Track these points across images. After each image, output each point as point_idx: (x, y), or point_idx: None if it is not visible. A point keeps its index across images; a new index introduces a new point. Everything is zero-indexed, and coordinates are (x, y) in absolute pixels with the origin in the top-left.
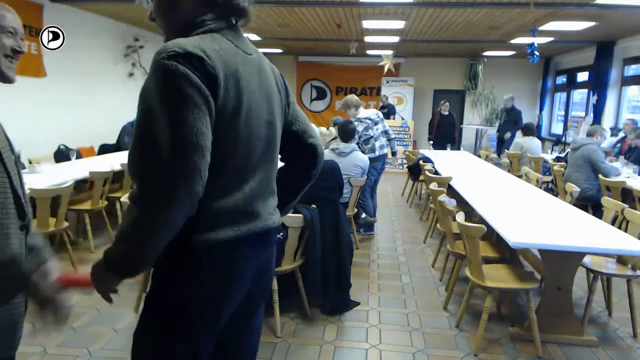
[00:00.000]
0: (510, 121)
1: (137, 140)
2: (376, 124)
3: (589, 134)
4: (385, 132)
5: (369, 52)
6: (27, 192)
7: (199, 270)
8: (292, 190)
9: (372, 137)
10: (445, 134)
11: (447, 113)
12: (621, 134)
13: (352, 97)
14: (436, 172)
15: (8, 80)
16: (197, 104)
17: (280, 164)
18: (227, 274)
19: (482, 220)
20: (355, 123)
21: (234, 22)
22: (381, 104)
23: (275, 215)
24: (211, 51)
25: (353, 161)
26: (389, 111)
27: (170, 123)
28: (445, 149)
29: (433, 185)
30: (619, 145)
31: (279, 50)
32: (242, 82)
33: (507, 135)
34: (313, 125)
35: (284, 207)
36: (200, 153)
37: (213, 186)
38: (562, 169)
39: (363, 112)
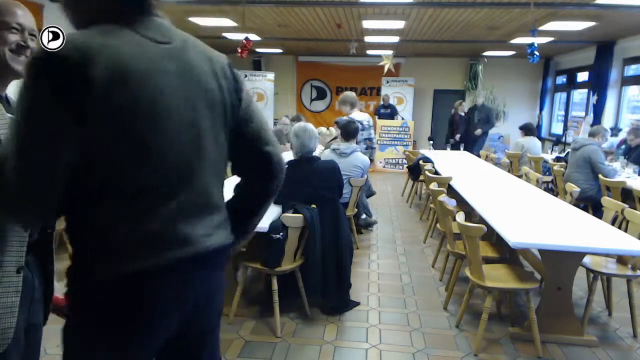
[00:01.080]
0: (482, 120)
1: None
2: (363, 129)
3: (592, 134)
4: (369, 139)
5: (369, 52)
6: None
7: (102, 309)
8: (246, 211)
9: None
10: (469, 135)
11: (463, 114)
12: (622, 134)
13: (351, 94)
14: (436, 172)
15: (17, 74)
16: (52, 111)
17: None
18: (135, 313)
19: (482, 220)
20: None
21: (147, 6)
22: (382, 103)
23: (218, 234)
24: (90, 48)
25: (353, 162)
26: (392, 111)
27: (17, 128)
28: (446, 148)
29: (433, 185)
30: (623, 146)
31: (279, 50)
32: (137, 81)
33: (479, 131)
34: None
35: (241, 233)
36: (46, 167)
37: (110, 210)
38: (562, 169)
39: (357, 115)
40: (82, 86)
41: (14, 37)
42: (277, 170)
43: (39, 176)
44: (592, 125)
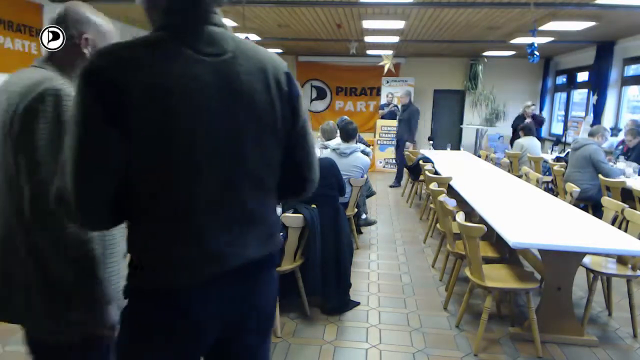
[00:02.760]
0: (404, 121)
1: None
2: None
3: (591, 134)
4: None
5: (369, 52)
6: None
7: (138, 316)
8: None
9: None
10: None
11: (529, 119)
12: (622, 134)
13: (330, 124)
14: (436, 172)
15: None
16: (93, 124)
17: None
18: (168, 325)
19: (482, 220)
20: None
21: (200, 16)
22: (387, 102)
23: (257, 248)
24: (128, 60)
25: (353, 162)
26: (393, 112)
27: (68, 138)
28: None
29: (433, 185)
30: (620, 147)
31: (279, 50)
32: (171, 98)
33: (408, 145)
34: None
35: None
36: (88, 179)
37: (146, 227)
38: (562, 169)
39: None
40: (118, 101)
41: None
42: (307, 194)
43: (90, 198)
44: (592, 125)
